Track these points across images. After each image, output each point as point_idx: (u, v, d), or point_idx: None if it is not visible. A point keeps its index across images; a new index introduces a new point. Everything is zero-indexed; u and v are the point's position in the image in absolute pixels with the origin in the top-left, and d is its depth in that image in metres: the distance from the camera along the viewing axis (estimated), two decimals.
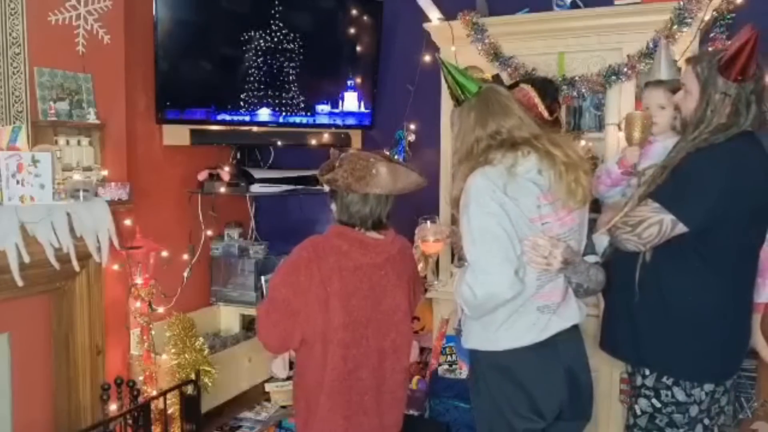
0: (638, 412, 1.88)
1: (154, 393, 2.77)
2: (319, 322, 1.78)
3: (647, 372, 1.85)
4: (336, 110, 3.58)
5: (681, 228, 1.72)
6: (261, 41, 3.28)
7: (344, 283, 1.78)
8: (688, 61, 1.89)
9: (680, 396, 1.80)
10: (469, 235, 1.72)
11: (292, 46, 3.36)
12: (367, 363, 1.85)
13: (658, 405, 1.83)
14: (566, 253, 1.74)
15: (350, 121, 3.62)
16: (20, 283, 2.26)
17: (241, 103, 3.29)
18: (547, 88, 2.41)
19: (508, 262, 1.67)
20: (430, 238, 2.12)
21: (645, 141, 2.08)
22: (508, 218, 1.68)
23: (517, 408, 1.77)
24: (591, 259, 1.93)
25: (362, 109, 3.63)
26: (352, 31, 3.51)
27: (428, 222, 2.12)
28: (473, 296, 1.70)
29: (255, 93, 3.32)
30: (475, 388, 1.89)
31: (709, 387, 1.80)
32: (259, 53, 3.28)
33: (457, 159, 1.85)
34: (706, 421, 1.82)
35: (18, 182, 2.23)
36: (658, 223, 1.73)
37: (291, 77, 3.40)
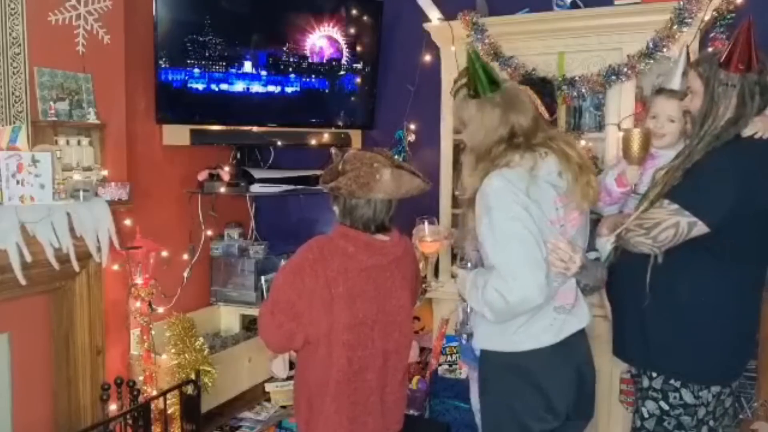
0: (645, 414, 1.87)
1: (154, 393, 2.77)
2: (324, 324, 1.77)
3: (654, 374, 1.84)
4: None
5: (699, 229, 1.71)
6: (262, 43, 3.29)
7: (349, 285, 1.77)
8: (691, 65, 1.89)
9: (688, 398, 1.79)
10: (493, 240, 1.67)
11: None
12: (373, 364, 1.84)
13: (666, 407, 1.82)
14: (583, 257, 1.75)
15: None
16: (23, 282, 2.26)
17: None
18: (545, 89, 2.41)
19: (538, 267, 1.64)
20: (427, 239, 2.12)
21: (644, 159, 2.02)
22: (533, 221, 1.65)
23: (535, 409, 1.76)
24: (591, 255, 1.93)
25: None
26: (352, 31, 3.52)
27: (426, 222, 2.13)
28: (504, 302, 1.65)
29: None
30: (485, 389, 1.87)
31: (716, 389, 1.79)
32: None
33: (474, 156, 1.79)
34: (712, 423, 1.81)
35: (18, 182, 2.22)
36: (674, 226, 1.72)
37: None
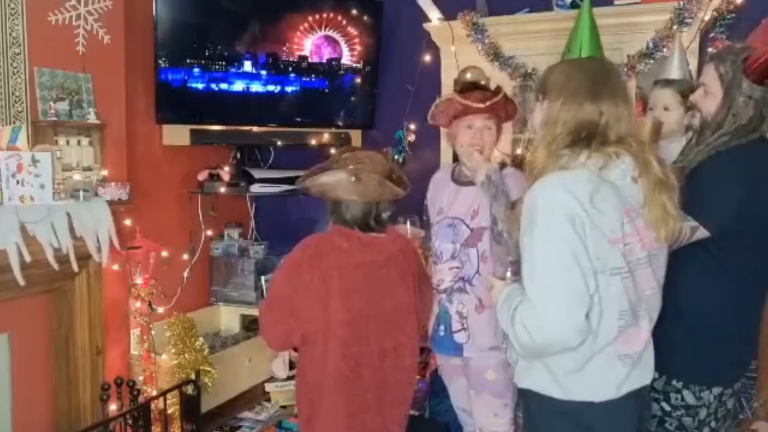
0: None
1: (154, 393, 2.77)
2: (320, 320, 1.78)
3: (656, 375, 1.84)
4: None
5: (701, 234, 1.69)
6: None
7: (344, 281, 1.78)
8: (711, 59, 1.82)
9: (690, 399, 1.78)
10: (531, 263, 1.40)
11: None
12: (368, 361, 1.84)
13: (668, 408, 1.81)
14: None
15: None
16: (22, 282, 2.26)
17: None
18: None
19: (580, 303, 1.36)
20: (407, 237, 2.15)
21: (656, 147, 1.99)
22: (584, 246, 1.36)
23: None
24: None
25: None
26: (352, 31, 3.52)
27: (408, 222, 2.15)
28: (530, 340, 1.39)
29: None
30: (533, 429, 1.63)
31: (717, 390, 1.79)
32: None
33: (551, 137, 1.46)
34: (713, 424, 1.80)
35: (18, 182, 2.22)
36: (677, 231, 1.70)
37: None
